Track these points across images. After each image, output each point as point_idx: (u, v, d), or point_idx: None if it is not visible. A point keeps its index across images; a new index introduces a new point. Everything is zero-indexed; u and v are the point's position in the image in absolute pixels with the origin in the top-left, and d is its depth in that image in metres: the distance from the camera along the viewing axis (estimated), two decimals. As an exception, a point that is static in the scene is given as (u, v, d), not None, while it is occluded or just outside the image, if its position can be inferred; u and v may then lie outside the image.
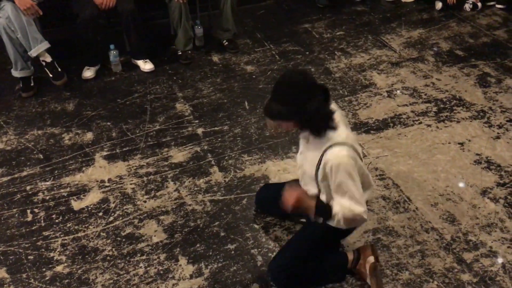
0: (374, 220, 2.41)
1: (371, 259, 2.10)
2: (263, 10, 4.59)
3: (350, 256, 2.14)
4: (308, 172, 1.98)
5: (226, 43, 3.94)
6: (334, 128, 1.84)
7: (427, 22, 4.30)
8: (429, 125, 3.05)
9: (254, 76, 3.60)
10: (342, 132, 1.85)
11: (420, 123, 3.07)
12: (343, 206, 1.85)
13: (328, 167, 1.82)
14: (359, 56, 3.81)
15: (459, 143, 2.90)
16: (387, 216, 2.44)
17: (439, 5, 4.46)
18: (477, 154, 2.82)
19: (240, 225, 2.42)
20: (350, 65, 3.70)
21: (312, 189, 2.00)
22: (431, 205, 2.50)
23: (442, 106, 3.22)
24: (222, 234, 2.37)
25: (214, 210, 2.50)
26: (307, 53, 3.88)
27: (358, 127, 3.05)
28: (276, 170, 2.74)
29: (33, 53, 3.31)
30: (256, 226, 2.40)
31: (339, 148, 1.81)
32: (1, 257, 2.27)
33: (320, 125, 1.82)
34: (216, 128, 3.08)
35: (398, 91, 3.34)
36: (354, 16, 4.44)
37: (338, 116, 1.89)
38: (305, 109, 1.76)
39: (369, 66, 3.68)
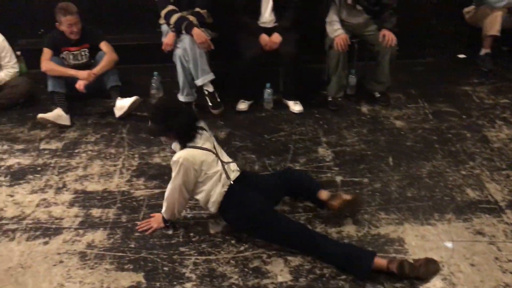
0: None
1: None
2: (422, 67, 4.48)
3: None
4: None
5: (378, 95, 3.91)
6: (193, 140, 2.50)
7: None
8: None
9: (402, 132, 3.50)
10: (196, 143, 2.50)
11: None
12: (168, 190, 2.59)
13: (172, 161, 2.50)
14: (524, 129, 3.49)
15: None
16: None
17: None
18: None
19: (367, 285, 2.32)
20: (512, 137, 3.40)
21: None
22: None
23: None
24: (347, 289, 2.30)
25: (342, 263, 2.44)
26: (464, 116, 3.67)
27: (514, 205, 2.76)
28: (414, 235, 2.59)
29: (199, 82, 3.65)
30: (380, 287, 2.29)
31: (183, 151, 2.48)
32: (142, 262, 2.48)
33: (183, 139, 2.51)
34: (355, 179, 3.04)
35: None
36: (522, 84, 4.10)
37: (204, 136, 2.54)
38: (170, 127, 2.46)
39: (535, 141, 3.35)
